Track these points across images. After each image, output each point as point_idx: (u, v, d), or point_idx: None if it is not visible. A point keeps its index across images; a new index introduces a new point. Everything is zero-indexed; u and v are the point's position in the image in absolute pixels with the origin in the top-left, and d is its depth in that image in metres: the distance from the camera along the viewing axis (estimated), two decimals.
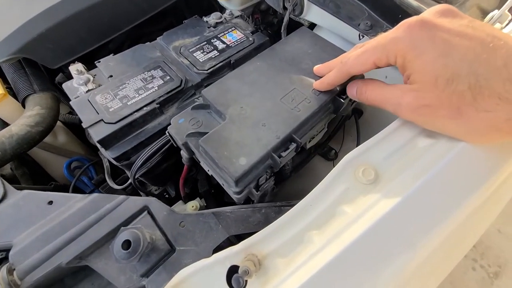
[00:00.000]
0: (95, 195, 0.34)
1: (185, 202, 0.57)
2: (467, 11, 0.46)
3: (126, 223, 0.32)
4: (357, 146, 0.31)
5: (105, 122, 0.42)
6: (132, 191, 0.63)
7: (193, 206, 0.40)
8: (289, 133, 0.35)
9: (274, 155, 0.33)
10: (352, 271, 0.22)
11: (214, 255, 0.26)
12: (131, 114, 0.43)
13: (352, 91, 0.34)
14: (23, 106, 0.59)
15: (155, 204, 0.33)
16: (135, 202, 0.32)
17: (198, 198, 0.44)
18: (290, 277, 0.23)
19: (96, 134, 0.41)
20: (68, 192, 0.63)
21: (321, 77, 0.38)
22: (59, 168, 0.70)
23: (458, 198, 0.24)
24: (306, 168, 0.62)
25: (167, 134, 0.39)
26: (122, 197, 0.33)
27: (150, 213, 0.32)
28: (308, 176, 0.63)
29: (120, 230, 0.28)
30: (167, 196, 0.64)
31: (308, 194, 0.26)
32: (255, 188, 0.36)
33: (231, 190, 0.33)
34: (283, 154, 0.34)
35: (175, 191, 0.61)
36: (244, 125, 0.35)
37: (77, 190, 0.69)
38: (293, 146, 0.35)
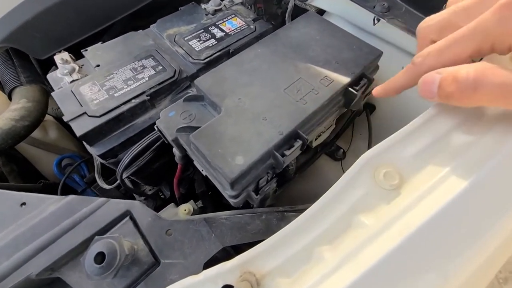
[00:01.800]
0: (71, 197, 0.29)
1: (179, 204, 0.53)
2: None
3: (105, 230, 0.27)
4: (368, 146, 0.26)
5: (88, 115, 0.38)
6: (126, 191, 0.59)
7: (185, 210, 0.36)
8: (294, 128, 0.30)
9: (276, 154, 0.29)
10: None
11: (204, 271, 0.22)
12: (118, 106, 0.39)
13: (430, 88, 0.20)
14: (10, 99, 0.56)
15: (138, 209, 0.28)
16: (116, 206, 0.28)
17: (192, 201, 0.40)
18: None
19: (78, 128, 0.37)
20: (57, 191, 0.60)
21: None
22: (50, 166, 0.66)
23: (504, 213, 0.19)
24: (311, 168, 0.57)
25: (156, 128, 0.34)
26: (101, 200, 0.29)
27: (132, 218, 0.28)
28: (314, 177, 0.58)
29: (94, 241, 0.24)
30: (162, 196, 0.60)
31: (318, 200, 0.22)
32: (254, 191, 0.31)
33: (226, 193, 0.29)
34: (287, 152, 0.29)
35: (170, 192, 0.57)
36: (242, 119, 0.30)
37: (68, 188, 0.65)
38: (298, 143, 0.30)
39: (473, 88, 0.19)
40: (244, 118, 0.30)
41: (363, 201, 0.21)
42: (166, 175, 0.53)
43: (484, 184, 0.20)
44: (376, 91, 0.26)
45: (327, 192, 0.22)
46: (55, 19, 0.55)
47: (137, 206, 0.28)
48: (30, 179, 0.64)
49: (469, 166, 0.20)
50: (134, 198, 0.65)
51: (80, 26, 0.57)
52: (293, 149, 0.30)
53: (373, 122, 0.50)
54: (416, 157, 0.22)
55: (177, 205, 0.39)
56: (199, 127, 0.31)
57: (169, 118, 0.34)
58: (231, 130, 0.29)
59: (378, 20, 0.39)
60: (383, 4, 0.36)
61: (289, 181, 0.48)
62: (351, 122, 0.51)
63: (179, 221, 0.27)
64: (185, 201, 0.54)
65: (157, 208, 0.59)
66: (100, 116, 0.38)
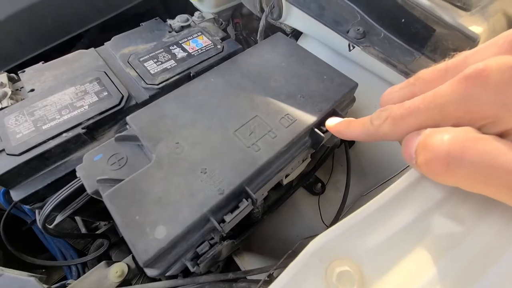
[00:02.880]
0: None
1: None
2: (491, 16, 0.36)
3: None
4: (346, 184, 0.20)
5: (7, 154, 0.31)
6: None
7: (117, 272, 0.29)
8: (239, 184, 0.24)
9: (213, 220, 0.22)
10: None
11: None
12: (44, 142, 0.33)
13: (410, 151, 0.16)
14: None
15: None
16: (10, 283, 0.22)
17: (130, 257, 0.33)
18: None
19: None
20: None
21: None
22: None
23: None
24: (287, 202, 0.51)
25: (77, 175, 0.28)
26: None
27: None
28: (289, 213, 0.52)
29: None
30: None
31: None
32: (192, 260, 0.25)
33: (147, 271, 0.22)
34: (227, 218, 0.23)
35: None
36: (175, 171, 0.24)
37: (18, 220, 0.58)
38: (244, 204, 0.24)
39: (444, 163, 0.14)
40: (178, 170, 0.24)
41: None
42: None
43: None
44: (330, 124, 0.23)
45: None
46: (3, 36, 0.49)
47: (32, 286, 0.22)
48: None
49: (462, 271, 0.14)
50: (94, 229, 0.58)
51: (31, 42, 0.52)
52: (237, 211, 0.23)
53: (353, 156, 0.45)
54: (382, 249, 0.16)
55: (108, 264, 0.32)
56: (123, 179, 0.24)
57: (93, 163, 0.27)
58: (158, 188, 0.23)
59: (353, 47, 0.33)
60: (358, 29, 0.30)
61: (255, 224, 0.42)
62: (329, 154, 0.45)
63: None
64: None
65: (113, 246, 0.53)
66: (19, 155, 0.31)
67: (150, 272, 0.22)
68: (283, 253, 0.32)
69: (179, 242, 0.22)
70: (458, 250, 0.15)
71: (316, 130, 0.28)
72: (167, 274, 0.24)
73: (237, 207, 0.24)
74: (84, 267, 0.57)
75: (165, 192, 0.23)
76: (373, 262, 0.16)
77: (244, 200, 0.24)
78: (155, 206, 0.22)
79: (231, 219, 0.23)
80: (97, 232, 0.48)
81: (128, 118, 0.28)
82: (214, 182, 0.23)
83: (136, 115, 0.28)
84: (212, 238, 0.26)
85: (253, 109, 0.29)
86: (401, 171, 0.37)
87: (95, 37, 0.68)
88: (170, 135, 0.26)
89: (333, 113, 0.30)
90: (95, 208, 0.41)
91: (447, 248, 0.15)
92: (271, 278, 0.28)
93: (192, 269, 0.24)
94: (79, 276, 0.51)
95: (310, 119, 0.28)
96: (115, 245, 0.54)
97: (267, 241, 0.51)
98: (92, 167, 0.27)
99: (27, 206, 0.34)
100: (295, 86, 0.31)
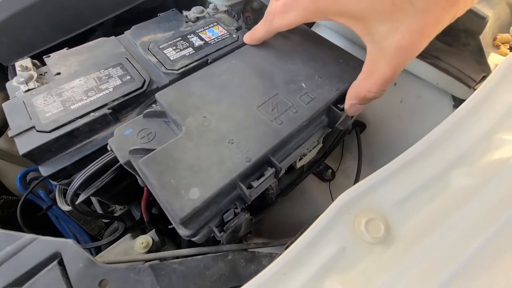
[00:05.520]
0: None
1: (150, 228, 0.48)
2: (496, 5, 0.37)
3: (27, 276, 0.22)
4: (358, 169, 0.21)
5: (37, 130, 0.33)
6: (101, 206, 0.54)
7: (142, 243, 0.31)
8: (265, 153, 0.25)
9: (241, 185, 0.24)
10: None
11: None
12: (73, 120, 0.34)
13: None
14: None
15: (70, 251, 0.23)
16: (44, 245, 0.23)
17: (154, 231, 0.35)
18: None
19: (22, 145, 0.32)
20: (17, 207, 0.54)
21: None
22: (15, 179, 0.61)
23: None
24: (297, 188, 0.52)
25: (109, 148, 0.30)
26: (28, 237, 0.24)
27: (61, 263, 0.23)
28: (299, 199, 0.53)
29: None
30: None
31: (280, 257, 0.17)
32: (218, 227, 0.26)
33: (180, 231, 0.24)
34: (255, 183, 0.24)
35: (140, 213, 0.51)
36: (204, 142, 0.26)
37: (31, 205, 0.59)
38: (269, 172, 0.25)
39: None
40: (207, 140, 0.26)
41: (338, 258, 0.16)
42: (137, 194, 0.48)
43: (500, 246, 0.15)
44: (245, 37, 0.37)
45: (291, 246, 0.17)
46: (24, 24, 0.51)
47: (69, 247, 0.23)
48: None
49: (477, 218, 0.16)
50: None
51: (52, 31, 0.53)
52: (262, 179, 0.25)
53: (363, 141, 0.46)
54: (406, 201, 0.17)
55: (147, 229, 0.34)
56: (155, 149, 0.26)
57: (124, 137, 0.29)
58: (190, 156, 0.24)
59: None
60: None
61: (269, 206, 0.43)
62: (340, 140, 0.47)
63: (118, 269, 0.22)
64: (157, 225, 0.49)
65: (127, 231, 0.54)
66: (50, 132, 0.33)
67: (182, 231, 0.23)
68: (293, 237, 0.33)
69: (210, 204, 0.23)
70: (475, 200, 0.17)
71: (333, 107, 0.30)
72: (194, 238, 0.25)
73: (262, 175, 0.25)
74: (98, 252, 0.59)
75: (196, 159, 0.24)
76: (396, 212, 0.17)
77: (268, 168, 0.25)
78: (187, 171, 0.24)
79: (258, 184, 0.24)
80: (114, 215, 0.49)
81: (157, 95, 0.29)
82: (241, 151, 0.25)
83: (165, 92, 0.30)
84: (236, 208, 0.27)
85: (274, 87, 0.30)
86: None
87: (108, 30, 0.70)
88: (198, 110, 0.28)
89: None
90: (114, 189, 0.43)
91: (464, 199, 0.17)
92: None
93: (218, 235, 0.26)
94: None
95: (328, 97, 0.30)
96: (130, 230, 0.55)
97: (277, 226, 0.52)
98: (123, 140, 0.29)
99: (55, 182, 0.36)
100: (313, 68, 0.33)
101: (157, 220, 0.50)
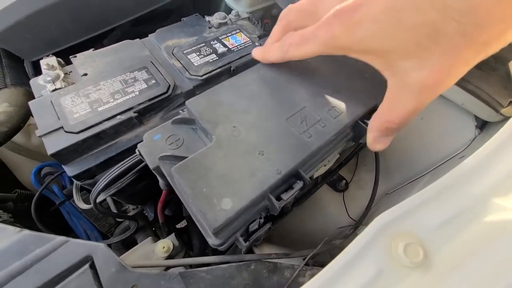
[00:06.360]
0: (25, 233, 0.25)
1: (164, 229, 0.48)
2: None
3: (58, 279, 0.23)
4: (376, 180, 0.22)
5: (65, 131, 0.34)
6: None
7: (164, 247, 0.31)
8: (295, 167, 0.26)
9: (271, 197, 0.24)
10: None
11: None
12: (100, 123, 0.35)
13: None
14: None
15: (101, 254, 0.23)
16: (76, 248, 0.23)
17: (173, 235, 0.35)
18: None
19: (50, 146, 0.32)
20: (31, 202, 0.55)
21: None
22: (30, 174, 0.62)
23: None
24: (310, 198, 0.53)
25: (137, 153, 0.30)
26: (59, 239, 0.24)
27: (93, 267, 0.23)
28: (312, 208, 0.53)
29: None
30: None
31: (316, 277, 0.17)
32: (243, 236, 0.27)
33: (209, 240, 0.24)
34: (284, 196, 0.25)
35: (154, 213, 0.52)
36: (234, 152, 0.26)
37: (45, 200, 0.60)
38: (298, 185, 0.26)
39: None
40: (237, 151, 0.26)
41: (375, 281, 0.16)
42: (152, 195, 0.48)
43: None
44: (255, 53, 0.34)
45: (328, 266, 0.17)
46: (49, 21, 0.52)
47: (100, 251, 0.24)
48: (6, 187, 0.59)
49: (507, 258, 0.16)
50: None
51: (75, 29, 0.54)
52: (292, 192, 0.25)
53: (380, 154, 0.46)
54: (443, 227, 0.18)
55: (159, 230, 0.34)
56: (185, 156, 0.26)
57: (153, 142, 0.29)
58: (221, 166, 0.25)
59: None
60: None
61: (285, 215, 0.43)
62: (357, 152, 0.47)
63: (149, 274, 0.23)
64: (169, 226, 0.49)
65: (139, 230, 0.54)
66: (78, 133, 0.34)
67: (212, 241, 0.24)
68: (304, 245, 0.33)
69: (240, 215, 0.24)
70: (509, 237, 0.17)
71: (360, 122, 0.30)
72: (222, 247, 0.26)
73: (291, 187, 0.26)
74: None
75: (227, 169, 0.25)
76: (434, 237, 0.18)
77: (297, 181, 0.26)
78: (219, 181, 0.24)
79: (288, 197, 0.25)
80: (128, 214, 0.50)
81: (187, 103, 0.30)
82: (272, 163, 0.25)
83: (195, 99, 0.30)
84: (261, 218, 0.28)
85: (302, 100, 0.31)
86: (431, 170, 0.39)
87: (127, 30, 0.71)
88: (228, 119, 0.28)
89: (375, 108, 0.32)
90: (132, 190, 0.43)
91: (502, 227, 0.17)
92: (308, 264, 0.30)
93: (243, 244, 0.26)
94: None
95: (355, 112, 0.30)
96: (141, 229, 0.56)
97: (289, 234, 0.53)
98: (152, 145, 0.29)
99: (79, 182, 0.36)
100: (340, 82, 0.33)
101: (169, 223, 0.51)
